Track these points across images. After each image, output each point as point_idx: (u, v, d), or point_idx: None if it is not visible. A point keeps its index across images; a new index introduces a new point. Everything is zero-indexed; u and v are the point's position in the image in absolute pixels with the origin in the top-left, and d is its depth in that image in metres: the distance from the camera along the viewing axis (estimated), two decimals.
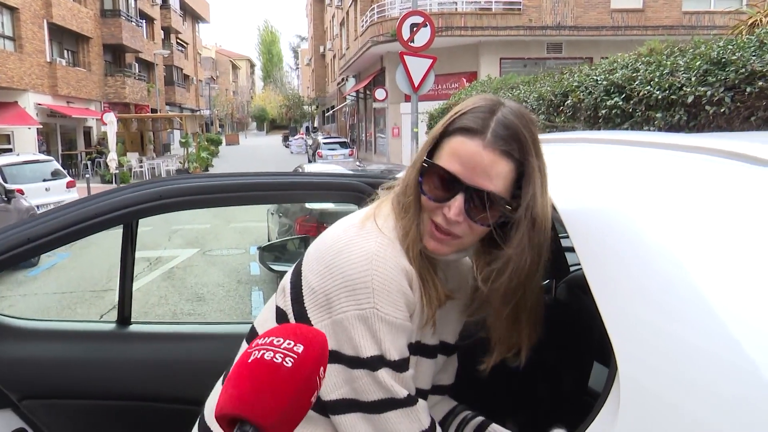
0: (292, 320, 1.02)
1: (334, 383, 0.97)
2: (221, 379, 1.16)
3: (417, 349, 1.06)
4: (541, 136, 1.04)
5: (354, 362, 0.96)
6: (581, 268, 0.93)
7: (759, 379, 0.65)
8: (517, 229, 0.97)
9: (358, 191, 1.47)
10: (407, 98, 17.98)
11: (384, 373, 0.95)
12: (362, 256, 0.96)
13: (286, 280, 1.08)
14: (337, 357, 0.96)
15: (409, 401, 0.98)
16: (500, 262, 0.99)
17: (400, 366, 0.97)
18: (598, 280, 0.85)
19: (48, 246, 1.36)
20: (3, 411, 1.66)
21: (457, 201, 0.96)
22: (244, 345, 1.12)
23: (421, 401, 1.02)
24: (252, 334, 1.12)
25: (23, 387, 1.65)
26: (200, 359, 1.65)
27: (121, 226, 1.63)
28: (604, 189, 1.03)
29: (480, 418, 1.25)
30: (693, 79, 3.97)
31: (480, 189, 0.95)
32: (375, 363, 0.95)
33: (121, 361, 1.70)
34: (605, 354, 1.75)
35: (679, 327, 0.74)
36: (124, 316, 1.79)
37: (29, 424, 1.68)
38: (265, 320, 1.10)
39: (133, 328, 1.81)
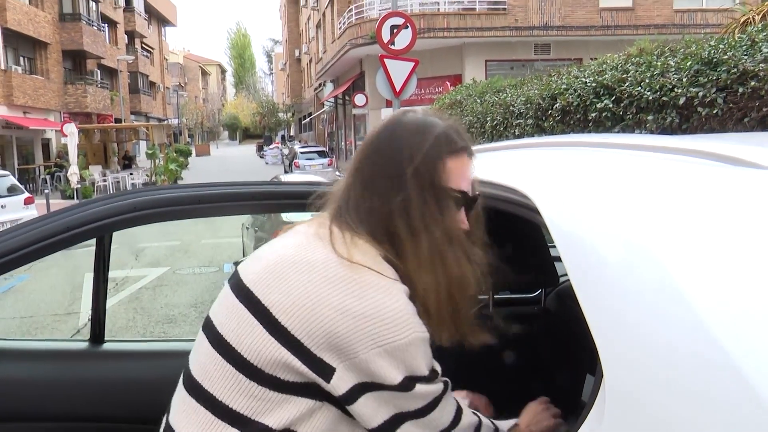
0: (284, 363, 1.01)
1: (373, 411, 1.02)
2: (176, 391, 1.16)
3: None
4: (527, 140, 1.11)
5: (387, 388, 1.01)
6: (568, 280, 0.98)
7: (746, 382, 0.68)
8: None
9: None
10: (389, 104, 18.06)
11: (419, 387, 1.03)
12: (386, 293, 1.01)
13: (247, 339, 1.04)
14: (366, 387, 1.01)
15: (445, 388, 1.10)
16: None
17: (430, 378, 1.06)
18: (583, 284, 0.89)
19: (16, 262, 1.37)
20: None
21: (462, 213, 1.12)
22: (192, 405, 1.10)
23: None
24: (190, 381, 1.11)
25: None
26: (177, 378, 1.66)
27: (93, 240, 1.65)
28: (588, 193, 1.07)
29: None
30: (684, 80, 4.07)
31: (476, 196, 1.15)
32: (408, 384, 1.02)
33: (95, 381, 1.71)
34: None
35: (665, 331, 0.77)
36: (96, 334, 1.79)
37: None
38: (231, 390, 1.05)
39: (107, 346, 1.82)
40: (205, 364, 1.09)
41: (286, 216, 6.12)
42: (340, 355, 0.98)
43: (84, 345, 1.83)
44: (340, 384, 0.99)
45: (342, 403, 1.02)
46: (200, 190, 1.47)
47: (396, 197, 1.06)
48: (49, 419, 1.68)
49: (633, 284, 0.83)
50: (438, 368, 1.09)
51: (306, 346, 0.99)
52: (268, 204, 1.49)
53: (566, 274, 1.93)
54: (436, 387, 1.07)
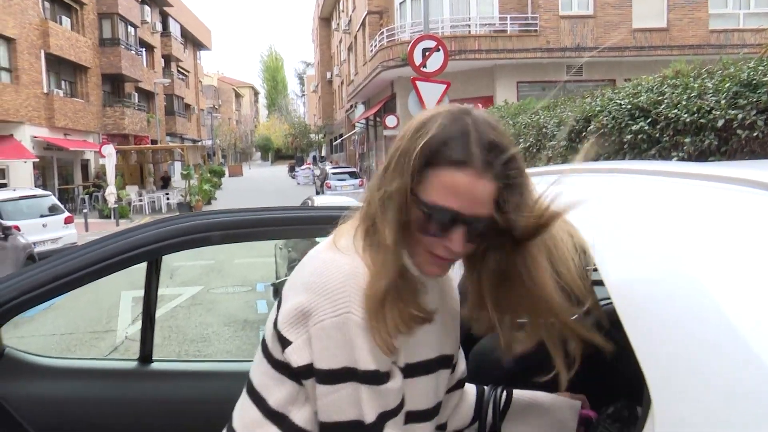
0: (277, 354, 1.05)
1: (312, 396, 1.01)
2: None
3: (410, 370, 1.07)
4: (573, 166, 1.11)
5: (320, 374, 0.98)
6: (610, 303, 0.98)
7: None
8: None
9: None
10: None
11: (350, 386, 0.96)
12: (339, 269, 0.99)
13: (268, 324, 1.11)
14: (310, 371, 1.00)
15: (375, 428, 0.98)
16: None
17: (376, 378, 0.98)
18: (629, 311, 0.89)
19: (76, 283, 1.44)
20: None
21: (459, 233, 0.98)
22: (243, 390, 1.15)
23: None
24: (248, 382, 1.15)
25: (47, 426, 1.70)
26: (224, 399, 1.70)
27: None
28: (633, 219, 1.08)
29: (504, 393, 1.35)
30: (723, 102, 4.04)
31: (479, 217, 0.98)
32: (340, 375, 0.97)
33: (143, 401, 1.76)
34: (636, 395, 1.77)
35: (716, 361, 0.77)
36: (145, 354, 1.85)
37: None
38: (255, 367, 1.13)
39: (155, 366, 1.87)
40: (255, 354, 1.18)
41: (319, 237, 6.18)
42: (297, 328, 1.00)
43: (133, 365, 1.88)
44: (292, 357, 1.00)
45: (301, 379, 1.02)
46: (249, 215, 1.52)
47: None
48: None
49: (682, 313, 0.83)
50: (395, 380, 1.00)
51: (278, 321, 1.04)
52: (316, 228, 1.52)
53: (606, 299, 1.92)
54: (371, 411, 0.97)
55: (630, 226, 1.06)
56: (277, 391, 1.06)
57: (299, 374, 1.02)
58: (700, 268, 0.87)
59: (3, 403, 1.65)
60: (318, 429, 1.02)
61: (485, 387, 1.37)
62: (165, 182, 31.03)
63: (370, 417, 0.97)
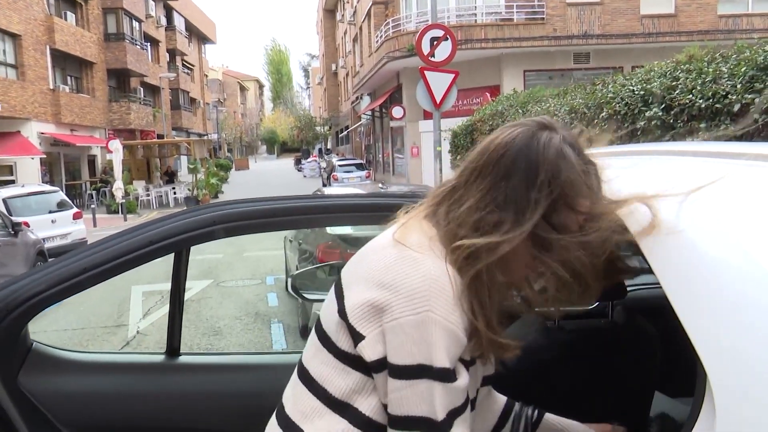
0: (343, 345, 1.06)
1: (383, 390, 1.03)
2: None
3: (470, 361, 1.09)
4: (606, 149, 1.08)
5: (394, 369, 0.99)
6: (640, 289, 0.95)
7: None
8: None
9: None
10: (426, 115, 18.10)
11: (425, 382, 0.98)
12: (417, 268, 1.00)
13: (327, 311, 1.12)
14: (383, 365, 1.01)
15: (463, 406, 1.02)
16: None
17: (448, 376, 0.99)
18: (684, 301, 0.85)
19: (104, 275, 1.42)
20: None
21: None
22: (294, 379, 1.17)
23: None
24: (302, 371, 1.16)
25: (78, 423, 1.69)
26: (252, 391, 1.68)
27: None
28: (681, 203, 1.04)
29: (535, 413, 1.34)
30: (739, 86, 3.97)
31: None
32: (415, 372, 0.98)
33: (173, 394, 1.74)
34: (669, 382, 1.74)
35: None
36: (173, 347, 1.83)
37: None
38: (312, 356, 1.14)
39: (183, 359, 1.85)
40: (308, 343, 1.18)
41: (330, 229, 6.16)
42: (371, 323, 1.01)
43: (161, 358, 1.86)
44: (366, 351, 1.02)
45: (373, 372, 1.03)
46: (277, 203, 1.49)
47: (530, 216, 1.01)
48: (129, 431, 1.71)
49: (741, 299, 0.79)
50: (462, 377, 1.02)
51: (347, 313, 1.05)
52: (342, 217, 1.50)
53: (632, 285, 1.89)
54: (441, 409, 0.98)
55: (681, 210, 1.01)
56: (340, 380, 1.07)
57: (371, 368, 1.03)
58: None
59: (31, 398, 1.63)
60: (385, 419, 1.03)
61: (516, 402, 1.37)
62: (170, 177, 31.08)
63: (441, 414, 0.98)
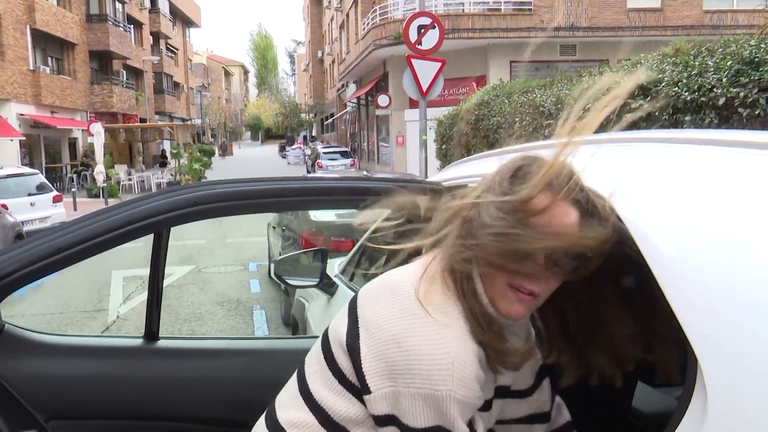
0: (349, 375, 1.07)
1: None
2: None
3: (487, 404, 1.13)
4: (590, 137, 1.07)
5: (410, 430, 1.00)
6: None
7: None
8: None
9: None
10: (412, 104, 18.04)
11: None
12: (442, 346, 0.99)
13: (337, 334, 1.11)
14: (394, 421, 1.01)
15: None
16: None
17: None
18: (672, 284, 0.84)
19: (79, 256, 1.38)
20: None
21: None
22: (293, 389, 1.17)
23: None
24: (302, 384, 1.15)
25: (50, 407, 1.65)
26: (232, 376, 1.66)
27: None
28: (670, 190, 1.03)
29: None
30: (724, 80, 4.00)
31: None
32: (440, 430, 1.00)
33: (150, 379, 1.71)
34: (651, 372, 1.75)
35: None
36: (152, 331, 1.80)
37: None
38: (315, 373, 1.13)
39: (161, 343, 1.82)
40: (311, 354, 1.18)
41: (314, 215, 6.13)
42: (383, 380, 1.01)
43: (138, 342, 1.83)
44: (371, 406, 1.03)
45: (376, 423, 1.04)
46: (261, 185, 1.45)
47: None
48: (105, 417, 1.68)
49: (733, 283, 0.78)
50: (479, 427, 1.05)
51: (360, 359, 1.04)
52: (328, 199, 1.47)
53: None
54: None
55: (671, 198, 1.01)
56: (342, 406, 1.08)
57: (376, 420, 1.04)
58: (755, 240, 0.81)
59: (2, 381, 1.59)
60: None
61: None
62: (164, 160, 30.73)
63: None
